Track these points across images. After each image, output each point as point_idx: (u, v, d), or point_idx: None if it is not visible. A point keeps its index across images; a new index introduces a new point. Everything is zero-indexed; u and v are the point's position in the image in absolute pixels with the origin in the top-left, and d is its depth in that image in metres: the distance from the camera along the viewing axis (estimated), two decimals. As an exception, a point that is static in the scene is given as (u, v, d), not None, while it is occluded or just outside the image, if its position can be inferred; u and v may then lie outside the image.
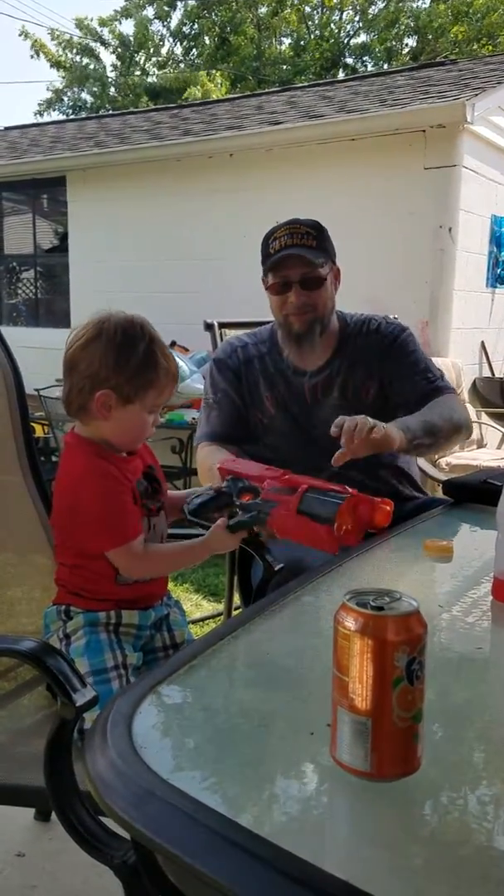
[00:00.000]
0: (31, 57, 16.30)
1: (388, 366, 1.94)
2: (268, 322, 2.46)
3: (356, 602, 0.70)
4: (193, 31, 16.33)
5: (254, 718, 0.82)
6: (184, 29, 16.44)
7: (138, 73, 16.57)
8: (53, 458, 4.74)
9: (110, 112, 12.67)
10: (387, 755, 0.67)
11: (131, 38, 16.18)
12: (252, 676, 0.94)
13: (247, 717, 0.82)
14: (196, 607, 3.42)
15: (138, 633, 1.44)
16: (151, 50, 16.57)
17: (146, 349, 1.35)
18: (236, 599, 2.57)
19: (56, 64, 16.36)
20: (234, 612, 2.61)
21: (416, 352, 1.98)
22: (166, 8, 16.08)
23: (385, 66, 14.31)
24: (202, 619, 3.25)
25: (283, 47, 16.41)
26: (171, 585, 3.69)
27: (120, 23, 16.28)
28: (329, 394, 1.94)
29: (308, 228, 1.88)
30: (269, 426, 1.97)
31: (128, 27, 16.45)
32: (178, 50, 16.97)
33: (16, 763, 1.35)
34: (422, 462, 2.21)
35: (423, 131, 4.69)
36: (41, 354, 5.85)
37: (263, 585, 1.63)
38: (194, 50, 16.54)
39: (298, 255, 1.85)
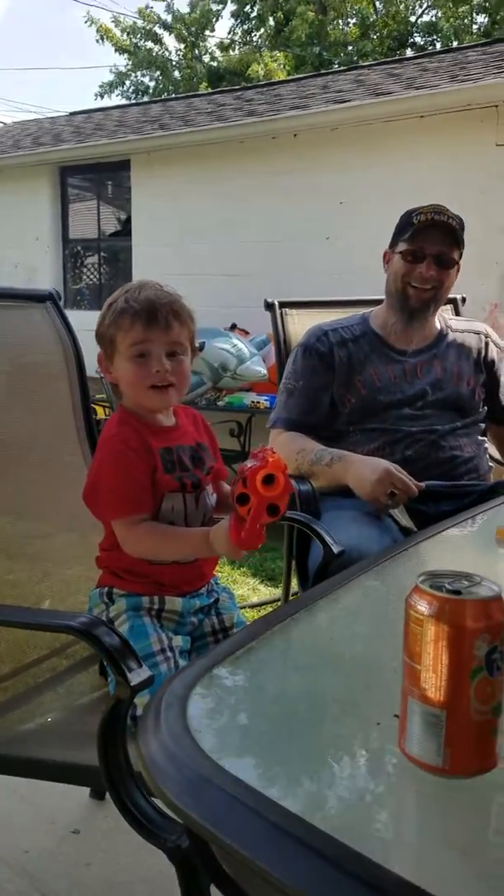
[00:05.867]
0: (97, 41, 16.27)
1: (491, 379, 2.06)
2: (337, 301, 2.42)
3: (430, 585, 0.65)
4: (255, 12, 16.08)
5: (316, 706, 0.77)
6: (245, 9, 16.18)
7: (198, 54, 16.41)
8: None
9: (174, 95, 12.64)
10: (462, 750, 0.62)
11: (192, 13, 15.96)
12: (314, 662, 0.90)
13: (308, 705, 0.78)
14: (253, 591, 3.39)
15: (181, 619, 1.40)
16: (214, 29, 16.36)
17: (117, 304, 1.34)
18: (294, 585, 2.53)
19: (121, 49, 16.39)
20: (292, 598, 2.58)
21: None
22: None
23: (454, 44, 13.85)
24: (259, 605, 3.22)
25: (349, 28, 16.04)
26: (227, 569, 3.69)
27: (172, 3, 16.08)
28: (429, 372, 1.98)
29: (453, 214, 1.93)
30: (356, 407, 1.96)
31: (183, 5, 16.29)
32: (239, 32, 16.75)
33: (72, 741, 1.34)
34: (493, 451, 2.13)
35: (496, 106, 4.53)
36: (103, 338, 5.93)
37: (322, 569, 1.59)
38: (255, 33, 16.33)
39: (447, 226, 1.90)
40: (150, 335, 1.32)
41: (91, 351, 1.87)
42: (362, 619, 1.02)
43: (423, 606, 0.63)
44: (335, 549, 1.58)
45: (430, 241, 1.90)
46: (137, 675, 1.00)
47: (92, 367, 1.94)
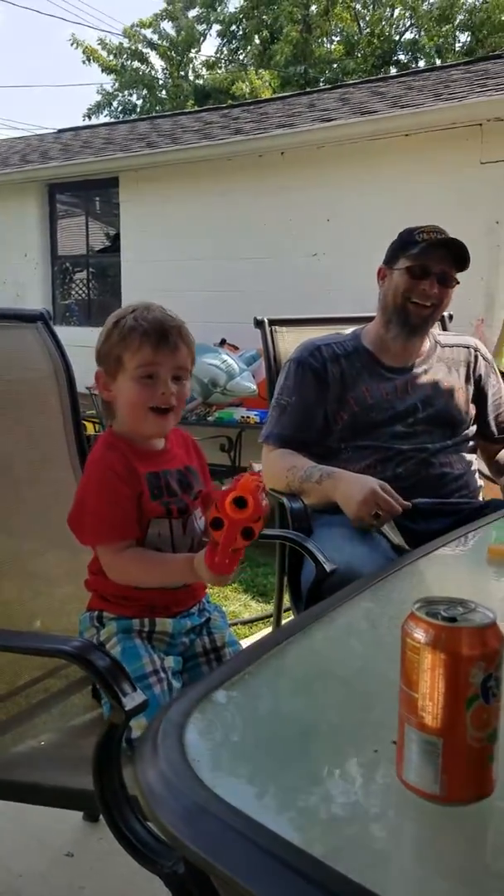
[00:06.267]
0: (83, 63, 16.37)
1: (480, 393, 2.08)
2: (326, 319, 2.43)
3: (426, 612, 0.65)
4: (242, 31, 16.21)
5: (313, 733, 0.77)
6: (231, 28, 16.31)
7: (184, 73, 16.51)
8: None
9: (162, 113, 12.71)
10: (459, 777, 0.62)
11: (178, 35, 16.06)
12: (310, 687, 0.90)
13: (306, 731, 0.78)
14: (244, 607, 3.39)
15: (172, 640, 1.39)
16: (200, 49, 16.50)
17: (125, 322, 1.33)
18: (286, 601, 2.53)
19: (107, 69, 16.45)
20: (284, 614, 2.58)
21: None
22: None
23: (437, 62, 13.99)
24: (251, 621, 3.22)
25: (332, 46, 16.20)
26: (219, 586, 3.66)
27: (159, 24, 16.17)
28: (420, 387, 1.99)
29: (453, 237, 1.95)
30: (347, 424, 1.96)
31: (169, 28, 16.38)
32: (225, 51, 16.88)
33: (66, 764, 1.33)
34: (483, 468, 2.15)
35: (480, 125, 4.59)
36: (93, 353, 5.97)
37: (315, 587, 1.60)
38: (241, 51, 16.48)
39: (454, 246, 1.90)
40: (159, 357, 1.32)
41: (81, 367, 1.88)
42: (358, 642, 1.02)
43: (419, 634, 0.64)
44: (328, 568, 1.58)
45: (435, 259, 1.91)
46: (132, 700, 1.00)
47: (82, 383, 1.95)
